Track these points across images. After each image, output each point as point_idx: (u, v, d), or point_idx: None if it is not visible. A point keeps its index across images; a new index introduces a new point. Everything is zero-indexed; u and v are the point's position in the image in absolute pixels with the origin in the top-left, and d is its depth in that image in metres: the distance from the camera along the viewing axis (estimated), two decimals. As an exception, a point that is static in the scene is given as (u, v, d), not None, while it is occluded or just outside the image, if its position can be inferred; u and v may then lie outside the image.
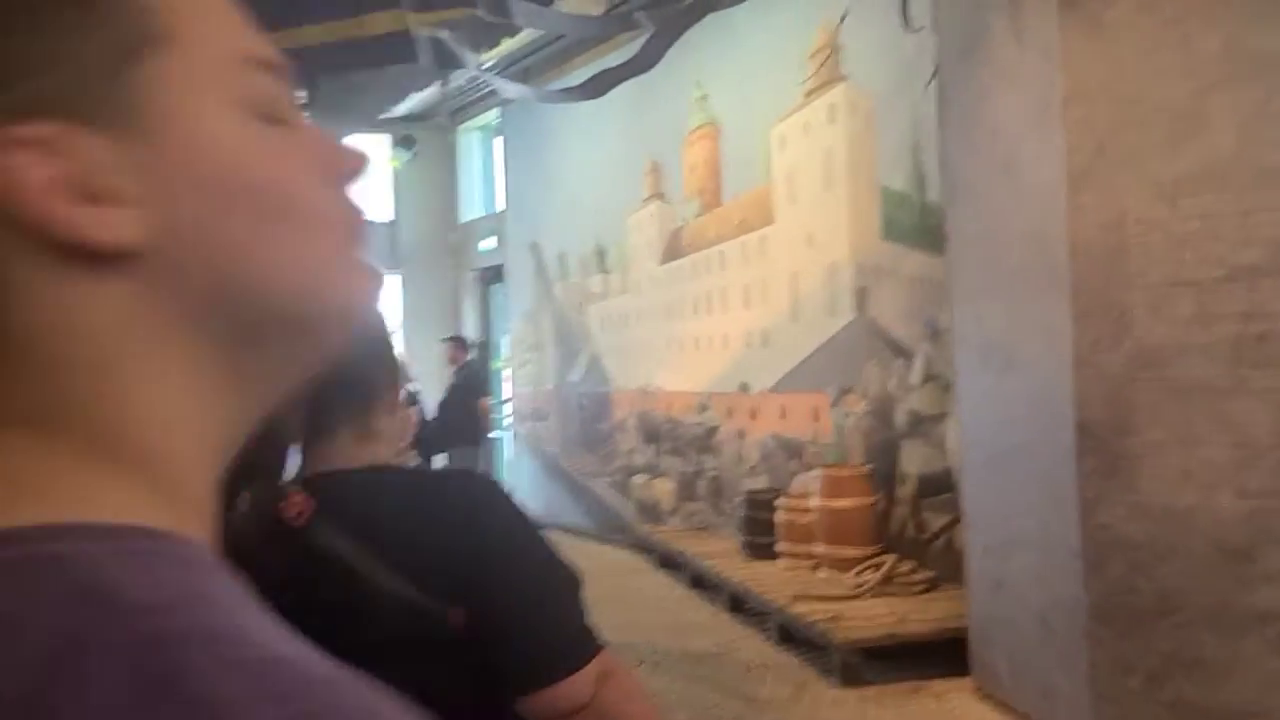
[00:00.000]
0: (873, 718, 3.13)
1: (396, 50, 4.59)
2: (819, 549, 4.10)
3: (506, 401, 8.17)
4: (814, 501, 4.08)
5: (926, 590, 3.73)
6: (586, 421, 6.83)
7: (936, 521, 3.86)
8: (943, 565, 3.75)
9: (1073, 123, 2.74)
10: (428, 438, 5.10)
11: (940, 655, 3.31)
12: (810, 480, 4.22)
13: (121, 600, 0.31)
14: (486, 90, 8.48)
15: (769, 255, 5.00)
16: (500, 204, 8.63)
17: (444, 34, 4.32)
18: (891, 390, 4.11)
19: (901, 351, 4.07)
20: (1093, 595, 2.75)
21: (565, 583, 0.99)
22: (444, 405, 5.77)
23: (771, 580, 4.02)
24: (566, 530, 5.82)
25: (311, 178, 0.37)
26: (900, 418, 4.06)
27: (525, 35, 5.98)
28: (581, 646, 0.95)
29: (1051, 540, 2.88)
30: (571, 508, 6.76)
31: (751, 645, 3.79)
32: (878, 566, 3.83)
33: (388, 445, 1.07)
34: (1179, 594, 2.61)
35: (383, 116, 8.99)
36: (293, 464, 1.03)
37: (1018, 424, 2.99)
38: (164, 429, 0.36)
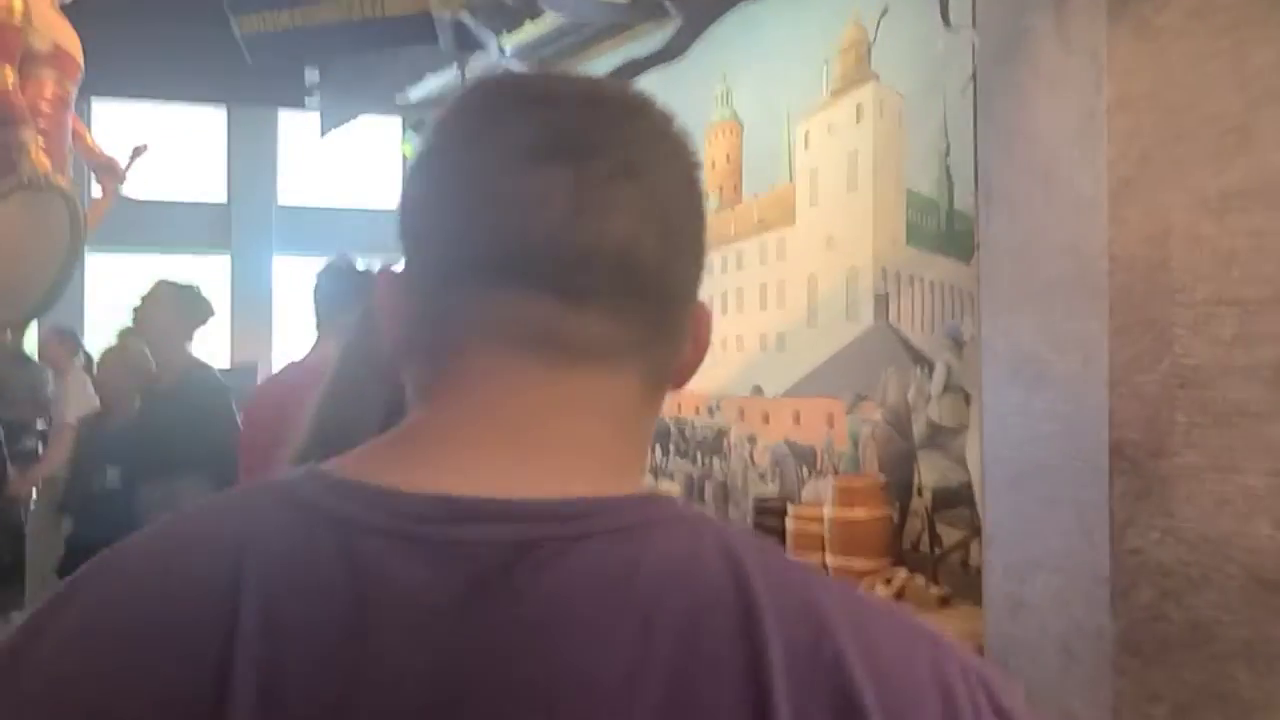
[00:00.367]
0: (883, 738, 3.03)
1: (416, 32, 4.49)
2: (829, 560, 4.00)
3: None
4: (826, 511, 3.99)
5: (939, 607, 3.63)
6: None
7: (952, 536, 3.76)
8: (957, 582, 3.66)
9: (1117, 131, 2.63)
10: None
11: (954, 675, 3.21)
12: (822, 489, 4.13)
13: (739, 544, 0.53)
14: (503, 78, 8.37)
15: (788, 256, 4.90)
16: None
17: (466, 16, 4.22)
18: (910, 400, 4.01)
19: (921, 360, 3.97)
20: (1119, 622, 2.65)
21: None
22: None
23: (780, 590, 3.92)
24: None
25: None
26: (918, 428, 3.96)
27: (548, 21, 5.87)
28: None
29: (1077, 563, 2.78)
30: (575, 505, 6.66)
31: (758, 656, 3.69)
32: (889, 580, 3.73)
33: None
34: (1212, 625, 2.51)
35: (397, 101, 8.89)
36: None
37: (1046, 441, 2.88)
38: None
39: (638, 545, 0.51)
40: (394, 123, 10.49)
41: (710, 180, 5.62)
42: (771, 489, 4.79)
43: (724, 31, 5.28)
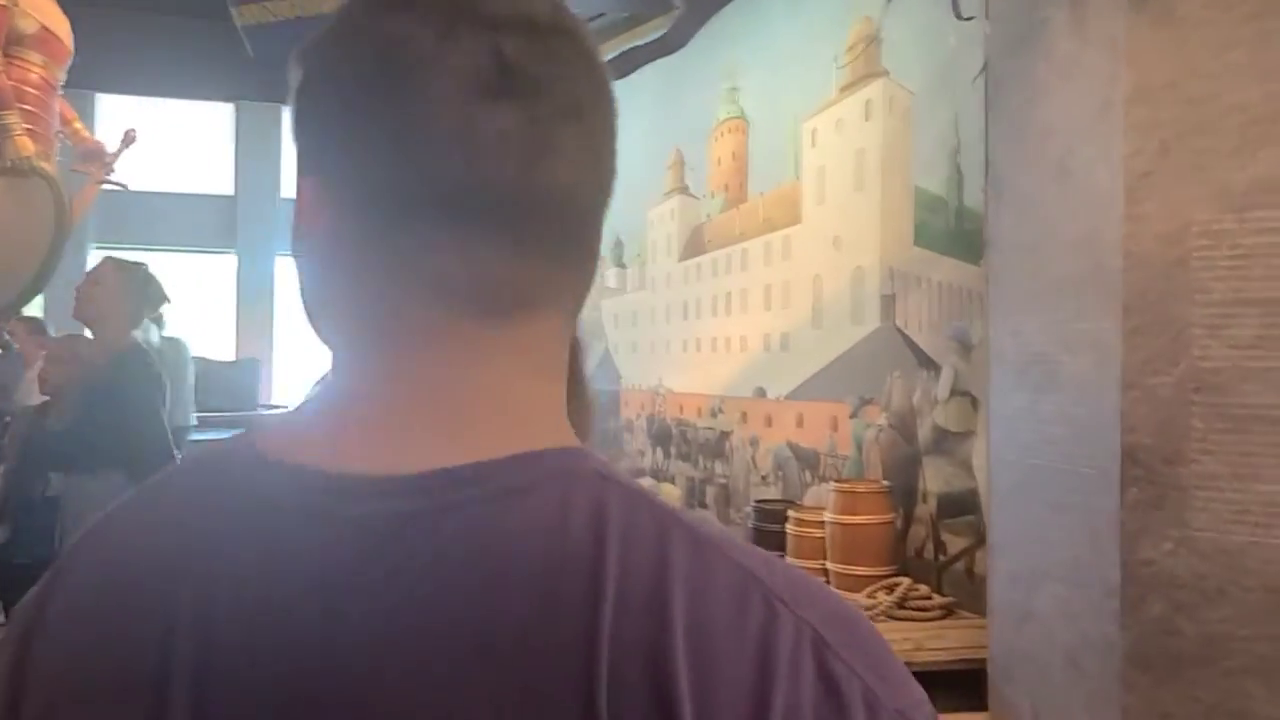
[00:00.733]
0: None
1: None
2: (830, 565, 3.90)
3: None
4: (828, 516, 3.88)
5: (943, 616, 3.53)
6: (595, 419, 6.64)
7: (957, 544, 3.65)
8: (962, 591, 3.55)
9: (1135, 123, 2.52)
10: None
11: (956, 687, 3.11)
12: (825, 493, 4.02)
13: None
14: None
15: (793, 256, 4.80)
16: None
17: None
18: (915, 404, 3.90)
19: (928, 363, 3.86)
20: (1130, 636, 2.54)
21: None
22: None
23: (779, 596, 3.81)
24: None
25: None
26: (924, 433, 3.86)
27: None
28: None
29: (1086, 573, 2.67)
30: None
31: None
32: (891, 588, 3.62)
33: None
34: (1226, 639, 2.40)
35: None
36: None
37: (1055, 446, 2.78)
38: None
39: (504, 511, 0.51)
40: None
41: (715, 178, 5.53)
42: (773, 492, 4.69)
43: (730, 28, 5.20)
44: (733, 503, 5.09)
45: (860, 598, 3.66)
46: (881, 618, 3.51)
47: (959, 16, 3.19)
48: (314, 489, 0.52)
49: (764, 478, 4.86)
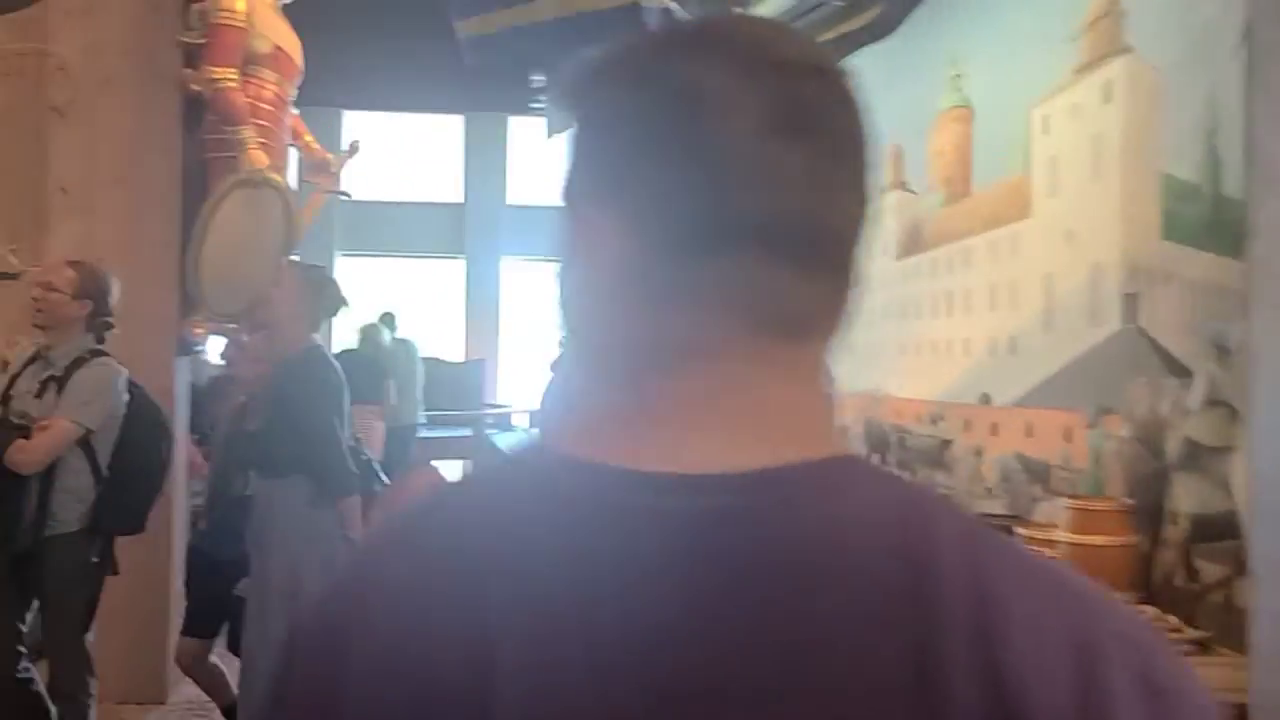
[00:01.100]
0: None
1: (626, 23, 4.41)
2: (1063, 589, 3.59)
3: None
4: (1060, 534, 3.57)
5: (1197, 653, 3.17)
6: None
7: (1213, 573, 3.27)
8: (1219, 625, 3.18)
9: None
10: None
11: (1211, 735, 2.77)
12: (1057, 510, 3.71)
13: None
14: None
15: (1022, 253, 4.48)
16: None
17: (673, 4, 4.08)
18: (1163, 414, 3.53)
19: (1178, 369, 3.48)
20: None
21: None
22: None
23: (1004, 620, 3.54)
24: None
25: None
26: (1173, 447, 3.48)
27: (765, 9, 5.66)
28: None
29: (1374, 616, 2.31)
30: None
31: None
32: (1134, 618, 3.29)
33: None
34: None
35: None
36: None
37: (1334, 467, 2.42)
38: None
39: (825, 507, 0.56)
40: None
41: (936, 172, 5.24)
42: (998, 506, 4.39)
43: (953, 9, 4.91)
44: (954, 515, 4.81)
45: (1097, 626, 3.34)
46: (1122, 650, 3.20)
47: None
48: (623, 486, 0.56)
49: (988, 490, 4.56)
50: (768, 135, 0.58)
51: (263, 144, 3.81)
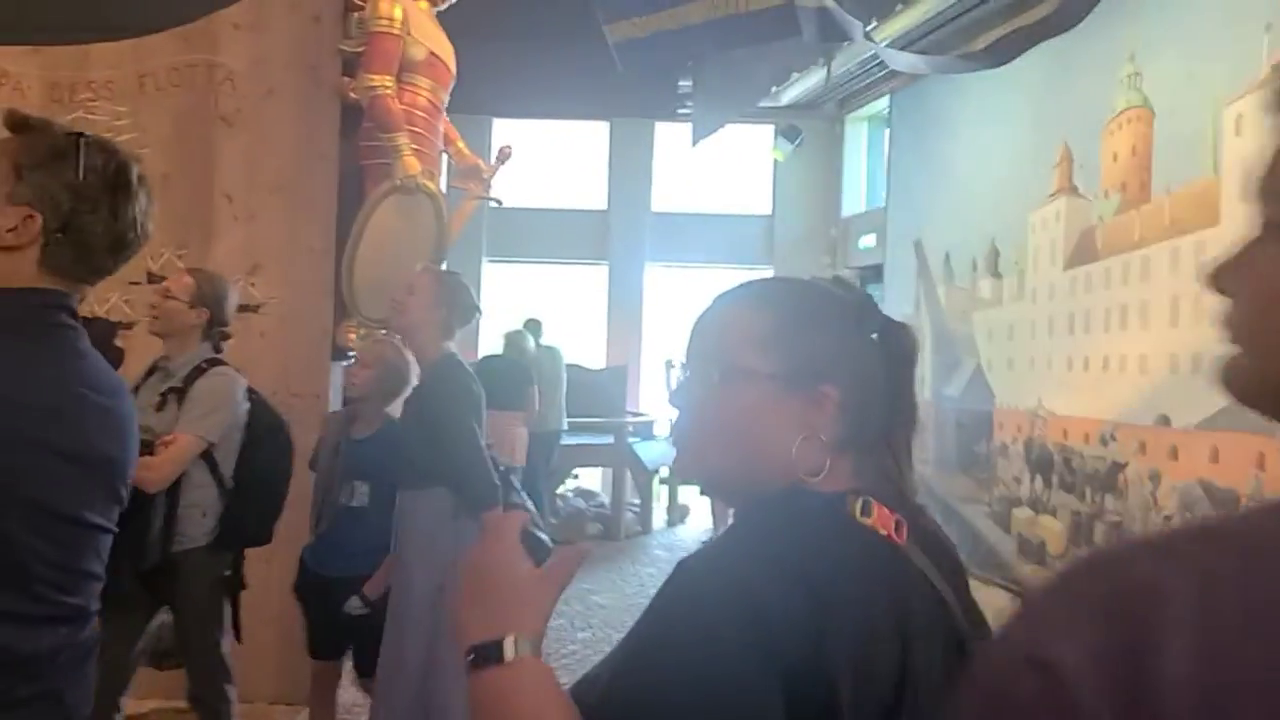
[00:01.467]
0: None
1: (779, 24, 4.27)
2: (1256, 633, 3.26)
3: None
4: (1254, 573, 3.25)
5: None
6: (963, 441, 6.16)
7: None
8: None
9: None
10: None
11: None
12: (1249, 544, 3.38)
13: None
14: (877, 76, 7.98)
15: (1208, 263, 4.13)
16: (882, 198, 8.12)
17: (831, 4, 3.92)
18: (1378, 442, 3.18)
19: (1395, 393, 3.12)
20: None
21: None
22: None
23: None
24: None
25: None
26: (1389, 479, 3.13)
27: (926, 7, 5.43)
28: None
29: None
30: (940, 534, 6.16)
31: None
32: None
33: None
34: None
35: (767, 105, 8.77)
36: None
37: None
38: None
39: None
40: (764, 130, 10.42)
41: (1111, 176, 4.91)
42: (1178, 538, 4.05)
43: (1133, 3, 4.59)
44: (1126, 544, 4.47)
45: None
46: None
47: None
48: None
49: (1167, 518, 4.22)
50: None
51: (416, 150, 3.82)
